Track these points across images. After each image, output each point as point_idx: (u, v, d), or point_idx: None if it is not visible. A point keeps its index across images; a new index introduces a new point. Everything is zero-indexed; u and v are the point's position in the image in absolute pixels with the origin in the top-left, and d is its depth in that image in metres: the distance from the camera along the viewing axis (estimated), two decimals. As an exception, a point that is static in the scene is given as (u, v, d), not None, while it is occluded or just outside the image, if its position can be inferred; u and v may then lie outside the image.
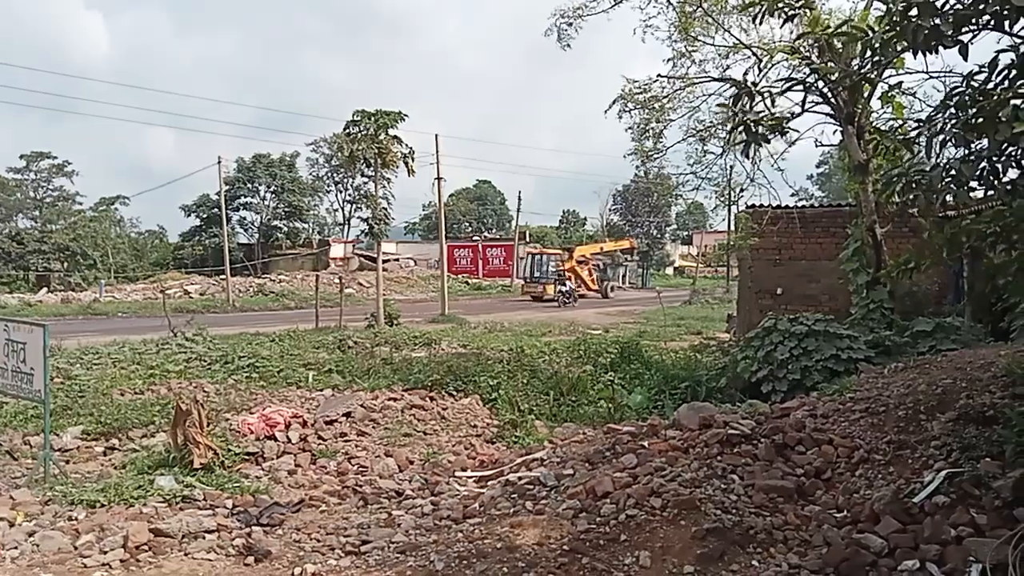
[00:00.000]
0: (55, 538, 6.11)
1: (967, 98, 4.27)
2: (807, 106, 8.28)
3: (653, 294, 44.00)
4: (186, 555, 5.90)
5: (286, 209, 65.66)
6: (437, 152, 34.86)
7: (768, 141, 5.88)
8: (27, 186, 59.35)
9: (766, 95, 5.64)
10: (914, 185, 4.72)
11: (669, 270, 74.30)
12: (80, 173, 66.42)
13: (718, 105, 11.49)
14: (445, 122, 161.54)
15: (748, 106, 5.42)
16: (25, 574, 5.39)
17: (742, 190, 15.96)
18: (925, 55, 4.55)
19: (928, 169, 4.67)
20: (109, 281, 48.08)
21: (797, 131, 11.06)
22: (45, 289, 44.71)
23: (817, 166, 73.86)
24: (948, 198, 5.07)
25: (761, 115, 5.59)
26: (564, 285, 41.90)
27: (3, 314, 24.93)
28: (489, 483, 7.71)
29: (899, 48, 5.02)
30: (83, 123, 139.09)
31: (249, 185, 64.52)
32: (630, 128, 15.74)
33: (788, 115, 6.73)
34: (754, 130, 5.23)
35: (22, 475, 8.33)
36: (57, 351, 15.53)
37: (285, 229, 66.04)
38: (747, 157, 8.48)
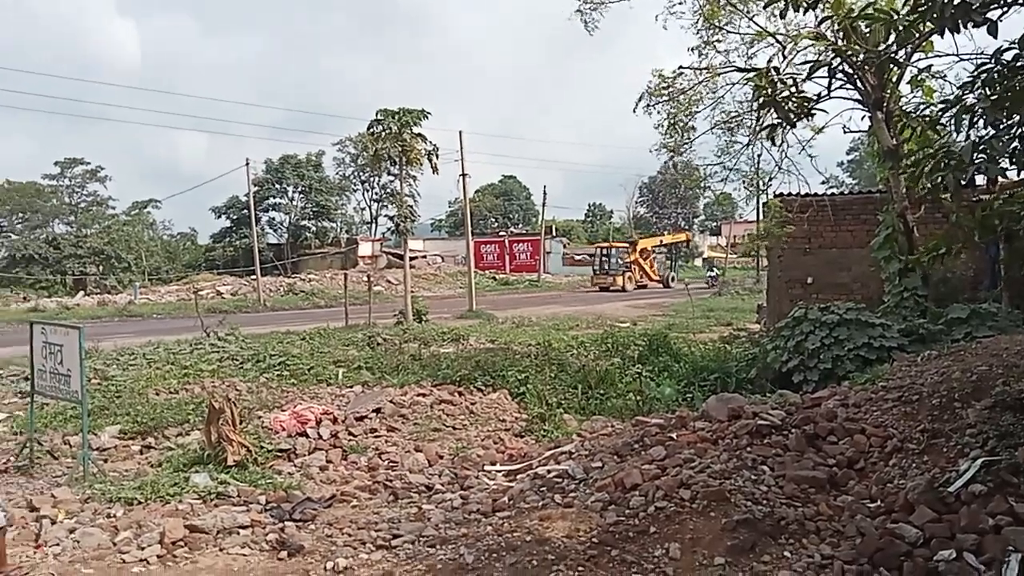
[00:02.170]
0: (94, 535, 6.27)
1: (996, 75, 4.16)
2: (833, 88, 8.14)
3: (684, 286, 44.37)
4: (221, 550, 6.01)
5: (314, 209, 66.37)
6: (461, 149, 34.94)
7: (794, 124, 5.80)
8: (62, 192, 60.74)
9: (790, 81, 5.56)
10: (943, 165, 4.61)
11: (698, 261, 73.63)
12: (112, 178, 67.75)
13: (747, 80, 11.22)
14: (471, 118, 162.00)
15: (775, 88, 5.35)
16: (66, 569, 5.53)
17: (770, 179, 15.78)
18: (953, 35, 4.45)
19: (957, 149, 4.56)
20: (143, 283, 49.04)
21: (825, 111, 10.91)
22: (82, 292, 45.73)
23: (847, 153, 72.73)
24: (978, 179, 4.97)
25: (788, 95, 5.51)
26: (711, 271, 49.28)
27: (42, 318, 25.51)
28: (518, 477, 7.73)
29: (926, 29, 4.92)
30: (114, 128, 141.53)
31: (277, 186, 65.35)
32: (658, 126, 15.63)
33: (814, 96, 6.62)
34: (784, 107, 5.15)
35: (62, 474, 8.54)
36: (94, 353, 15.89)
37: (313, 229, 66.76)
38: (773, 144, 8.36)
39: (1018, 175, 4.85)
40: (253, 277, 44.05)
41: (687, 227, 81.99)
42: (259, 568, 5.55)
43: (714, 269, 53.19)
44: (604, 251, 51.53)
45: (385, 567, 5.39)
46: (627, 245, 53.24)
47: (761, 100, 5.71)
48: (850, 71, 11.81)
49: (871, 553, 4.72)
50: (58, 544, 6.16)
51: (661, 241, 58.22)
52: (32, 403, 9.75)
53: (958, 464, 5.46)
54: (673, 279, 52.28)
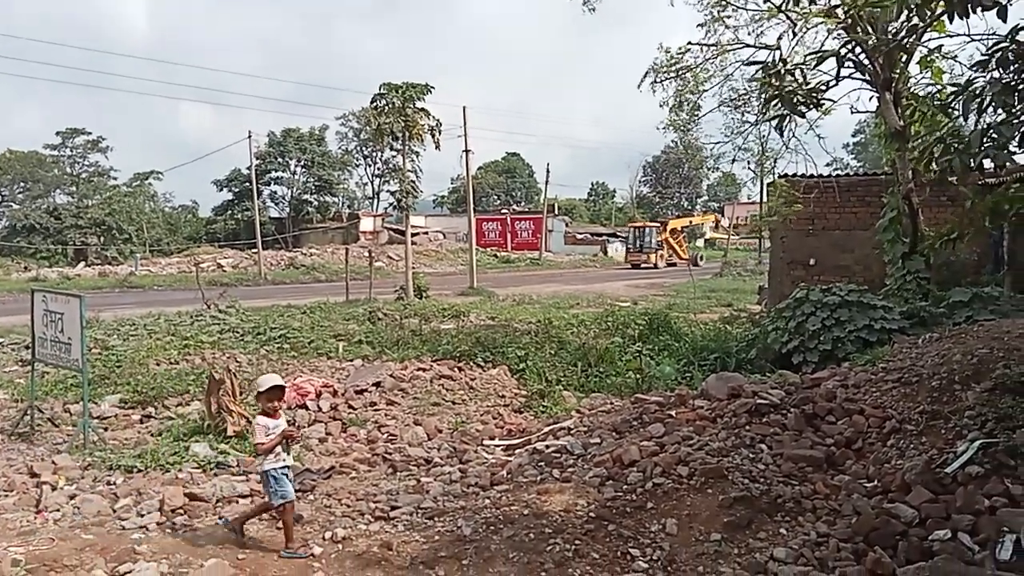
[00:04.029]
0: (94, 501, 6.31)
1: (1011, 55, 4.09)
2: (841, 75, 8.02)
3: (686, 267, 45.37)
4: (220, 518, 6.04)
5: (316, 183, 66.18)
6: (465, 124, 34.71)
7: (803, 115, 5.73)
8: (63, 162, 60.53)
9: (798, 71, 5.48)
10: (952, 150, 4.55)
11: (700, 242, 73.59)
12: (113, 149, 67.54)
13: (750, 79, 11.17)
14: (478, 95, 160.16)
15: (782, 80, 5.27)
16: (67, 535, 5.56)
17: (776, 159, 15.69)
18: (963, 17, 4.38)
19: (967, 133, 4.51)
20: (144, 255, 48.99)
21: (832, 100, 10.79)
22: (83, 263, 45.76)
23: (853, 135, 72.23)
24: (987, 164, 4.91)
25: (795, 87, 5.44)
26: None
27: (42, 288, 25.50)
28: (516, 451, 7.75)
29: (937, 11, 4.84)
30: (116, 98, 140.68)
31: (280, 159, 65.10)
32: (664, 103, 15.48)
33: (822, 87, 6.53)
34: (791, 100, 5.09)
35: (63, 441, 8.57)
36: (95, 323, 15.91)
37: (315, 203, 66.62)
38: (780, 133, 8.27)
39: None
40: (254, 250, 44.00)
41: (690, 208, 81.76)
42: (258, 536, 5.58)
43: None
44: (638, 230, 54.53)
45: (383, 538, 5.41)
46: (659, 225, 56.15)
47: (768, 94, 5.64)
48: (859, 58, 11.67)
49: (867, 532, 4.74)
50: (58, 510, 6.21)
51: (691, 222, 61.46)
52: (33, 371, 9.77)
53: (956, 446, 5.47)
54: (701, 258, 54.94)
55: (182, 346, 14.01)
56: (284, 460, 5.40)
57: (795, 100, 5.34)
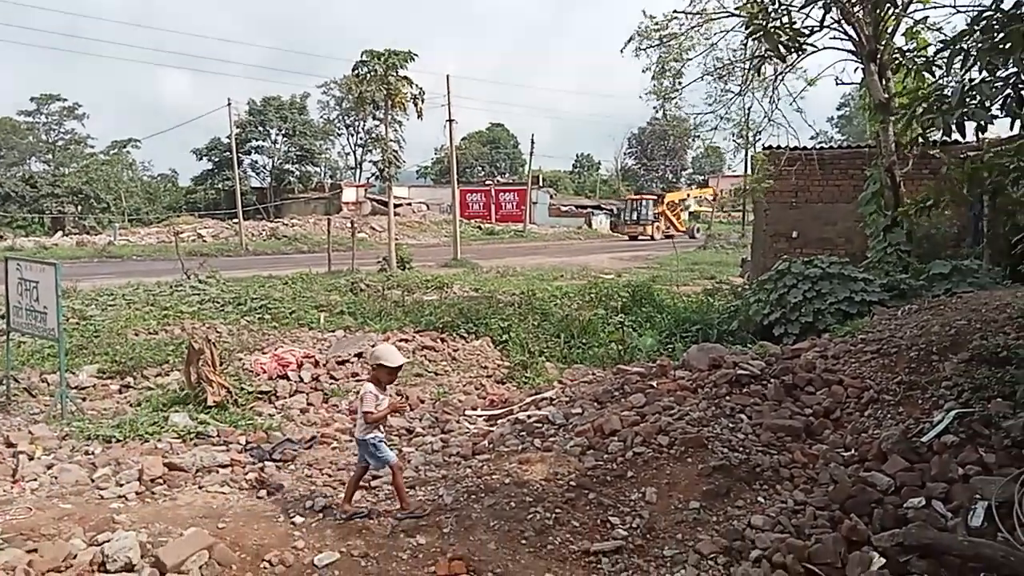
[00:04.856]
0: (72, 471, 6.24)
1: (996, 22, 4.06)
2: (825, 24, 7.91)
3: (681, 240, 46.11)
4: (200, 488, 6.02)
5: (298, 153, 65.26)
6: (448, 94, 34.34)
7: (784, 59, 5.67)
8: (39, 129, 59.40)
9: (783, 9, 5.40)
10: (934, 109, 4.53)
11: (684, 215, 73.72)
12: (90, 115, 66.30)
13: (738, 9, 10.89)
14: (462, 64, 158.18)
15: (767, 16, 5.20)
16: (45, 505, 5.50)
17: (759, 132, 15.65)
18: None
19: (949, 93, 4.48)
20: (123, 224, 48.28)
21: (815, 47, 10.54)
22: (60, 232, 45.05)
23: (838, 108, 72.34)
24: (968, 133, 4.89)
25: (780, 26, 5.37)
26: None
27: (18, 256, 25.07)
28: (498, 421, 7.78)
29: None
30: (93, 64, 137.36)
31: (260, 128, 64.02)
32: (647, 69, 15.33)
33: (806, 31, 6.46)
34: (775, 38, 5.02)
35: (40, 411, 8.48)
36: (72, 293, 15.71)
37: (297, 173, 65.75)
38: (758, 73, 8.17)
39: (1011, 128, 4.76)
40: (235, 221, 43.54)
41: (675, 180, 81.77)
42: (238, 506, 5.56)
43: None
44: (635, 203, 55.96)
45: (364, 506, 5.42)
46: (656, 197, 57.98)
47: (752, 29, 5.56)
48: (844, 13, 11.56)
49: (843, 500, 4.80)
50: (35, 479, 6.13)
51: (688, 195, 62.29)
52: (8, 340, 9.62)
53: (932, 415, 5.54)
54: (697, 230, 55.58)
55: (161, 316, 13.87)
56: (383, 429, 5.46)
57: (778, 38, 5.27)
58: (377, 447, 5.29)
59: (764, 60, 5.47)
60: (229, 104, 43.74)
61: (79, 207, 50.72)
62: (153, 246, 39.49)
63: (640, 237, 51.72)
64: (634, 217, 54.59)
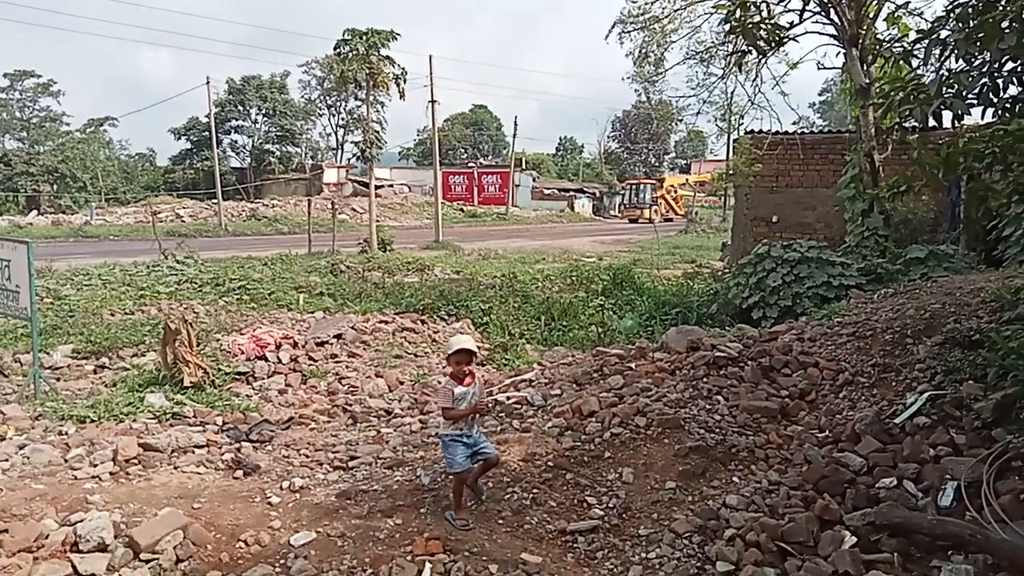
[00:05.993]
0: (45, 451, 6.17)
1: (971, 10, 4.07)
2: (805, 17, 7.93)
3: (664, 223, 46.55)
4: (175, 468, 5.97)
5: (278, 133, 64.49)
6: (431, 74, 34.03)
7: (764, 54, 5.66)
8: (12, 106, 58.18)
9: (762, 4, 5.39)
10: (912, 98, 4.55)
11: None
12: (66, 93, 64.93)
13: (717, 6, 10.96)
14: (445, 44, 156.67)
15: (746, 11, 5.19)
16: (16, 485, 5.43)
17: (742, 115, 15.69)
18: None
19: (927, 82, 4.50)
20: (100, 204, 47.49)
21: (798, 40, 10.60)
22: (35, 211, 44.27)
23: (820, 94, 72.62)
24: (945, 120, 4.92)
25: (759, 21, 5.36)
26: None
27: (-8, 235, 24.63)
28: (477, 403, 7.76)
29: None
30: (68, 39, 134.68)
31: (240, 107, 63.14)
32: (630, 53, 15.30)
33: (787, 25, 6.47)
34: (753, 34, 5.02)
35: (12, 391, 8.36)
36: (47, 272, 15.48)
37: (277, 153, 65.00)
38: (744, 76, 8.21)
39: (982, 116, 4.79)
40: (214, 201, 42.97)
41: (658, 165, 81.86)
42: (214, 486, 5.53)
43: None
44: (635, 186, 58.01)
45: (341, 487, 5.40)
46: (655, 182, 59.29)
47: (730, 26, 5.54)
48: (827, 8, 11.60)
49: (816, 480, 4.86)
50: (7, 460, 6.04)
51: (687, 180, 62.96)
52: (-20, 320, 9.48)
53: (906, 397, 5.61)
54: (696, 214, 55.39)
55: (138, 296, 13.72)
56: (461, 427, 4.81)
57: (758, 35, 5.26)
58: (447, 446, 4.79)
59: (745, 53, 5.44)
60: (208, 83, 43.09)
61: (54, 186, 49.79)
62: (130, 226, 38.96)
63: (639, 220, 52.33)
64: (633, 201, 56.23)
